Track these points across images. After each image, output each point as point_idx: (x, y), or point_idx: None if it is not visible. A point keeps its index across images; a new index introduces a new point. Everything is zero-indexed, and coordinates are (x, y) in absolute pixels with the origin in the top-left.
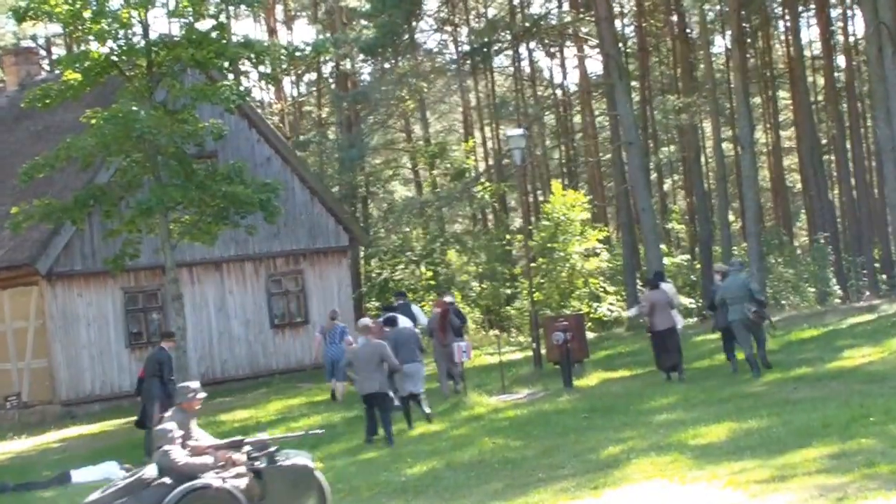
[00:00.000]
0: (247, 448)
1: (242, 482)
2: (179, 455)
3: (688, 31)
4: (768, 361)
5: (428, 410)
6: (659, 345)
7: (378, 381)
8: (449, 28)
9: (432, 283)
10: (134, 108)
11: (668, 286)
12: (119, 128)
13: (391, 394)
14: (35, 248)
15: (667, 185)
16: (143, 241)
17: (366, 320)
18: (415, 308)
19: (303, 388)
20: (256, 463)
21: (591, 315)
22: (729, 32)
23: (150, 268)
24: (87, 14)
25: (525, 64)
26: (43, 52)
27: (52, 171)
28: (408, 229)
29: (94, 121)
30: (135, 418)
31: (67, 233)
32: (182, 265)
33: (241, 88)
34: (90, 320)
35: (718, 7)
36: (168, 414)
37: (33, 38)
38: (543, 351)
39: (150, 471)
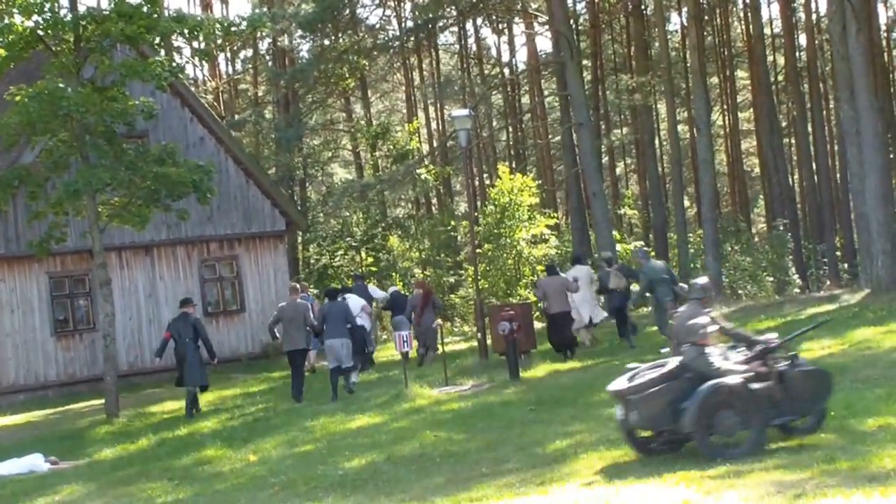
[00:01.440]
0: (771, 352)
1: (765, 384)
2: (716, 359)
3: (642, 7)
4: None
5: (354, 380)
6: (553, 327)
7: (301, 338)
8: (392, 3)
9: (373, 269)
10: (60, 84)
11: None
12: (45, 105)
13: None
14: None
15: (619, 169)
16: (69, 224)
17: (293, 283)
18: (371, 287)
19: (237, 378)
20: (779, 366)
21: (539, 304)
22: (685, 9)
23: (77, 252)
24: None
25: (471, 41)
26: None
27: None
28: (348, 214)
29: (18, 98)
30: (61, 408)
31: None
32: (111, 249)
33: (174, 65)
34: (14, 307)
35: None
36: (683, 309)
37: None
38: (489, 341)
39: (673, 363)
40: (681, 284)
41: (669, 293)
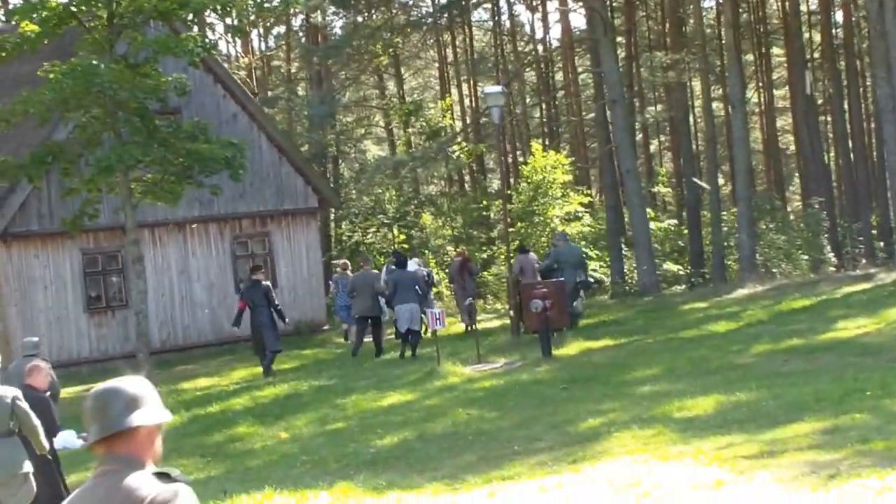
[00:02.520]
0: None
1: None
2: None
3: None
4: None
5: (413, 349)
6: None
7: (370, 305)
8: None
9: (405, 247)
10: (94, 61)
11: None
12: (78, 82)
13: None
14: None
15: (653, 147)
16: (102, 201)
17: (365, 255)
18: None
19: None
20: None
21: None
22: None
23: (109, 228)
24: None
25: (505, 18)
26: None
27: (8, 127)
28: (380, 190)
29: (51, 74)
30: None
31: (24, 191)
32: (143, 226)
33: (207, 41)
34: (47, 283)
35: None
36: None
37: None
38: (522, 319)
39: None
40: (588, 278)
41: (573, 276)
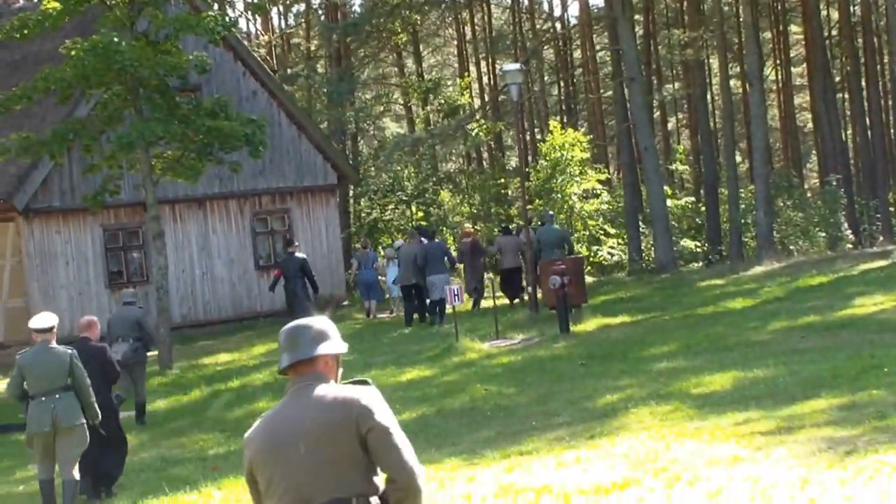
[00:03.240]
0: None
1: None
2: None
3: None
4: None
5: (441, 320)
6: (505, 279)
7: (415, 275)
8: None
9: (424, 223)
10: (115, 38)
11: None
12: (99, 59)
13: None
14: (12, 183)
15: (671, 124)
16: (123, 177)
17: (412, 230)
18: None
19: None
20: None
21: (591, 259)
22: None
23: (130, 205)
24: None
25: None
26: None
27: (30, 103)
28: (399, 168)
29: (73, 52)
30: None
31: (45, 168)
32: (164, 202)
33: (227, 19)
34: (69, 259)
35: None
36: None
37: None
38: (539, 295)
39: None
40: (562, 251)
41: (552, 256)
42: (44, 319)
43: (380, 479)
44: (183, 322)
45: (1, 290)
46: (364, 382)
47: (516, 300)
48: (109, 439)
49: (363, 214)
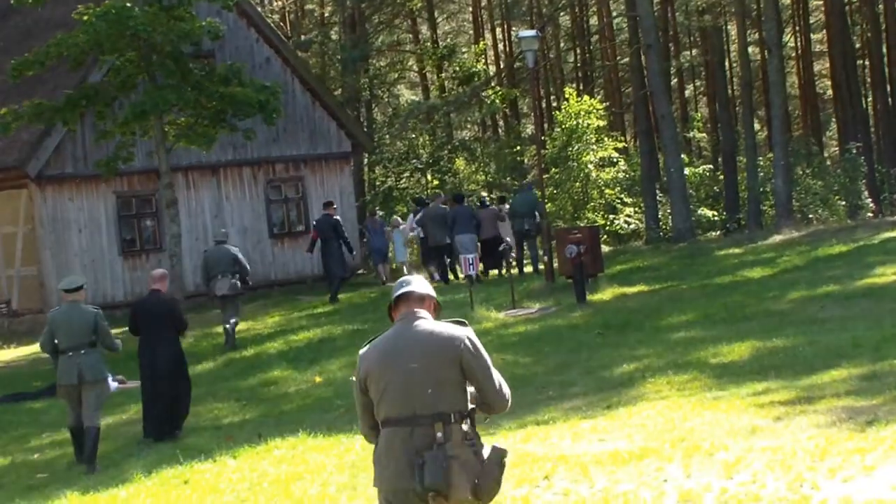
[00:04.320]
0: None
1: None
2: None
3: None
4: (540, 270)
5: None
6: (485, 250)
7: (442, 236)
8: None
9: (439, 192)
10: (128, 4)
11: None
12: (112, 25)
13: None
14: (25, 149)
15: (688, 92)
16: (136, 144)
17: (438, 192)
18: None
19: (303, 300)
20: None
21: (607, 228)
22: None
23: (143, 172)
24: None
25: None
26: None
27: (43, 69)
28: (414, 135)
29: (86, 17)
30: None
31: (58, 134)
32: (177, 170)
33: None
34: (82, 226)
35: None
36: None
37: None
38: (556, 264)
39: None
40: (531, 220)
41: (524, 223)
42: (73, 280)
43: (469, 398)
44: (196, 291)
45: (13, 258)
46: (462, 323)
47: (494, 270)
48: (178, 387)
49: (378, 183)
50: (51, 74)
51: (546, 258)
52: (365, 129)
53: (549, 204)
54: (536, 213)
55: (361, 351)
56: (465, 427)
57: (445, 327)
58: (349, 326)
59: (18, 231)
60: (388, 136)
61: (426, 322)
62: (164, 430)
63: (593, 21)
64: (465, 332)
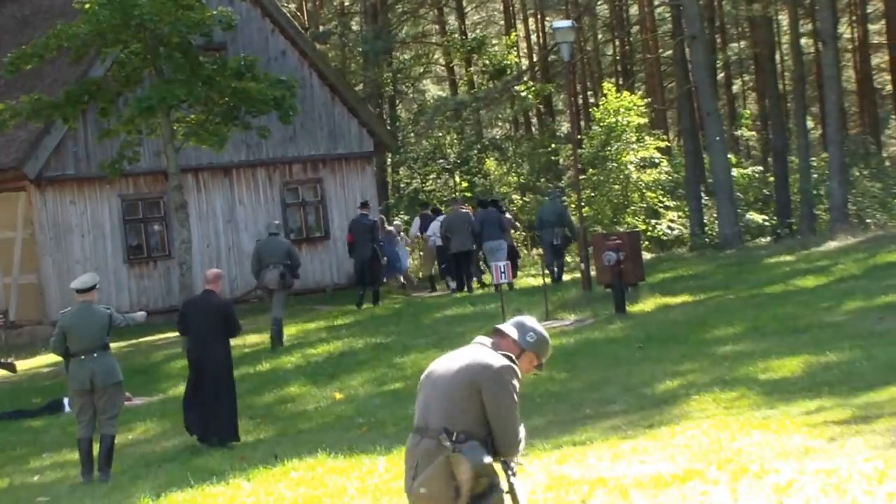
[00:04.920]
0: None
1: None
2: None
3: None
4: (561, 278)
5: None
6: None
7: (467, 241)
8: None
9: (468, 194)
10: None
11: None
12: (116, 14)
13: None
14: (23, 149)
15: (736, 87)
16: (143, 143)
17: (456, 196)
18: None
19: (321, 310)
20: None
21: (648, 233)
22: None
23: (150, 173)
24: None
25: None
26: None
27: (42, 63)
28: (441, 134)
29: (88, 6)
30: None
31: (59, 132)
32: (187, 170)
33: None
34: (84, 231)
35: None
36: None
37: None
38: (593, 273)
39: None
40: (561, 230)
41: (554, 236)
42: (85, 280)
43: (487, 429)
44: None
45: (11, 266)
46: (510, 359)
47: (465, 289)
48: (221, 389)
49: (402, 184)
50: (50, 68)
51: (583, 266)
52: (388, 127)
53: (587, 208)
54: (565, 224)
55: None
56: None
57: (487, 356)
58: (372, 339)
59: (17, 237)
60: (413, 135)
61: (477, 348)
62: (208, 432)
63: (633, 10)
64: (500, 364)
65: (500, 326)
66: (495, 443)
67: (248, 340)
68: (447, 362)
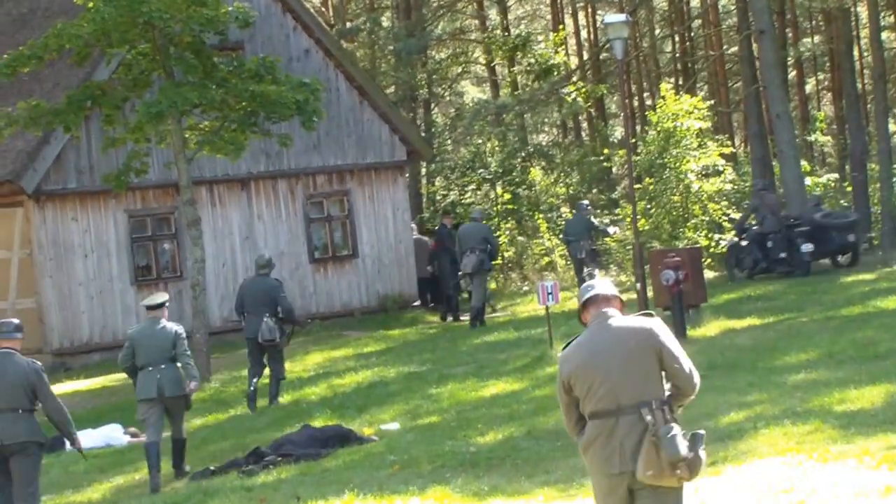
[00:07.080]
0: None
1: None
2: None
3: None
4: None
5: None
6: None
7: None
8: None
9: (511, 206)
10: None
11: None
12: (122, 11)
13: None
14: (19, 160)
15: (809, 86)
16: (151, 153)
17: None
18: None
19: (349, 336)
20: None
21: (711, 249)
22: None
23: (160, 186)
24: None
25: None
26: None
27: (41, 65)
28: (481, 140)
29: (90, 3)
30: None
31: (59, 142)
32: (200, 183)
33: None
34: (88, 251)
35: None
36: None
37: None
38: (650, 293)
39: None
40: (588, 244)
41: (579, 250)
42: (155, 297)
43: (665, 385)
44: (223, 326)
45: (7, 290)
46: (650, 315)
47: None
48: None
49: (438, 196)
50: (50, 70)
51: (639, 286)
52: (422, 134)
53: (642, 221)
54: (592, 233)
55: (561, 354)
56: (666, 414)
57: (637, 321)
58: (404, 368)
59: (13, 256)
60: (450, 142)
61: (618, 319)
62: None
63: (694, 3)
64: (656, 323)
65: (599, 291)
66: (681, 386)
67: (268, 370)
68: (606, 343)
